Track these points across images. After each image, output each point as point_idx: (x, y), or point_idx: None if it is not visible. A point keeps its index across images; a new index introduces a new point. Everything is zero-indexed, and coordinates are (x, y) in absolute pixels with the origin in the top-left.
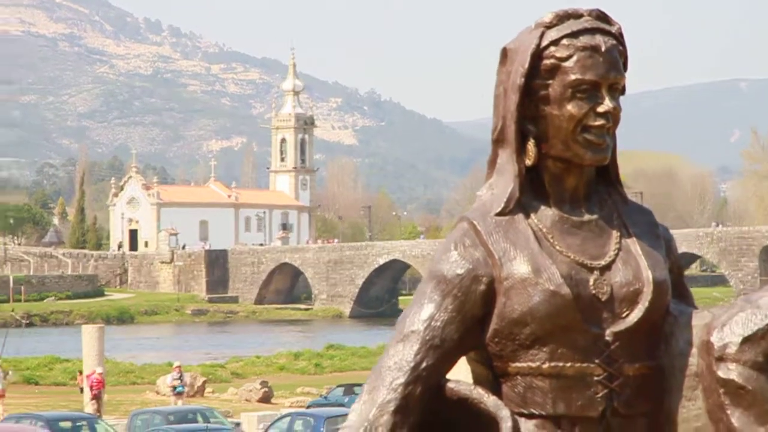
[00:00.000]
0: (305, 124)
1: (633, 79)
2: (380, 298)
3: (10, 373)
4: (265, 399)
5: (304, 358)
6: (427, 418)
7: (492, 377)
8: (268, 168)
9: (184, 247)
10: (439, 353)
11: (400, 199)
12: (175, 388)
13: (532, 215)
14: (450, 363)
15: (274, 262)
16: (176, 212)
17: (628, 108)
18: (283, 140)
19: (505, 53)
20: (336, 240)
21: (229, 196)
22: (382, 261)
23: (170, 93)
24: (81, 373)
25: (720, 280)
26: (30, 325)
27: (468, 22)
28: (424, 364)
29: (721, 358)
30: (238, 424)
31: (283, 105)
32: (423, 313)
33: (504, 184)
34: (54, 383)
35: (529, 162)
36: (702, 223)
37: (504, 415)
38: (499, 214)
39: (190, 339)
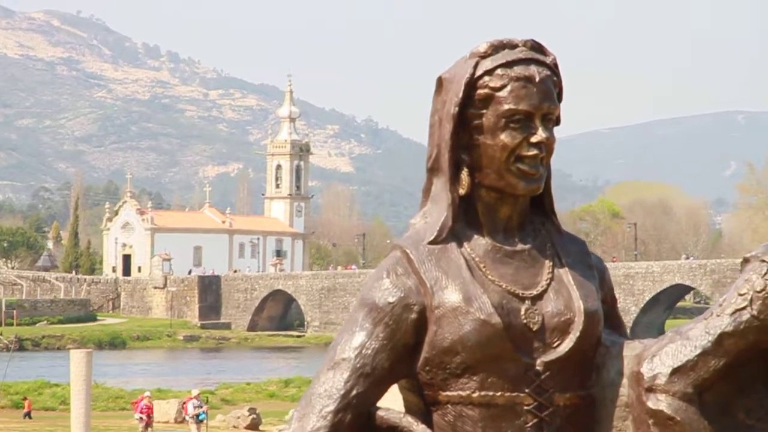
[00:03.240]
0: (301, 150)
1: (646, 111)
2: None
3: None
4: (254, 426)
5: (295, 385)
6: None
7: (423, 406)
8: (263, 194)
9: (190, 272)
10: (370, 381)
11: (396, 227)
12: (198, 416)
13: (465, 244)
14: (380, 391)
15: (267, 288)
16: (170, 238)
17: (634, 139)
18: (279, 167)
19: (440, 82)
20: (353, 267)
21: (224, 222)
22: None
23: (167, 118)
24: (26, 399)
25: None
26: (21, 349)
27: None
28: (354, 392)
29: (650, 389)
30: None
31: (279, 131)
32: (354, 340)
33: (438, 212)
34: (43, 408)
35: (462, 191)
36: (696, 254)
37: None
38: (432, 242)
39: (181, 365)
